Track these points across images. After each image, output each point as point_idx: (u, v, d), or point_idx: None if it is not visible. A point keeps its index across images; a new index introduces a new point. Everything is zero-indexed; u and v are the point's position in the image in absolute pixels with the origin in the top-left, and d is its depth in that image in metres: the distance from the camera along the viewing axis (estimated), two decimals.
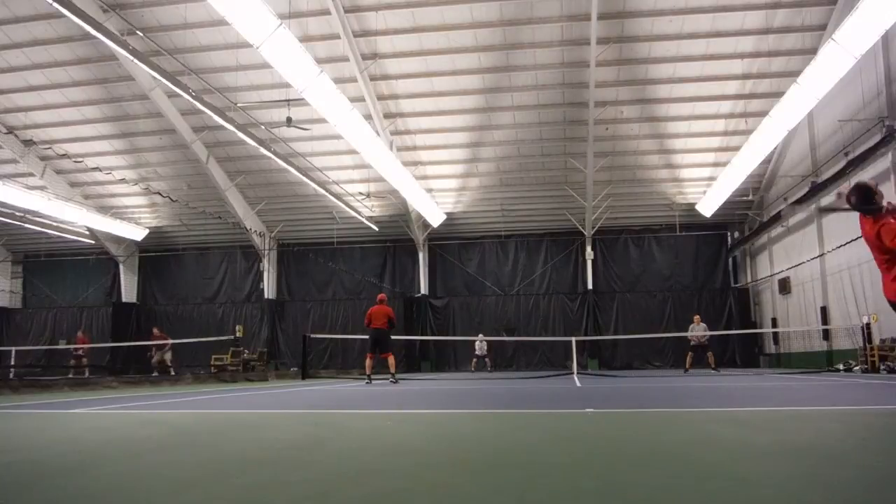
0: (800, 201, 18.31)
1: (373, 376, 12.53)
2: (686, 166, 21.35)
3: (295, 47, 11.66)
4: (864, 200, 4.45)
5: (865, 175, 15.45)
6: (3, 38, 17.37)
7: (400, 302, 24.83)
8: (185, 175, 22.71)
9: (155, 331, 20.58)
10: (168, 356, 19.59)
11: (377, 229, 24.12)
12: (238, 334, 22.43)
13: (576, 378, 13.89)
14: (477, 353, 21.72)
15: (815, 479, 2.12)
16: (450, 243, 25.22)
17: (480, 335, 22.03)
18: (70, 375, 17.14)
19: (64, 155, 18.94)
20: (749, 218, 23.27)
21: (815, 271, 18.50)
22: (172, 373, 18.00)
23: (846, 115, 15.85)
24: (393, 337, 12.94)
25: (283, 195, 23.51)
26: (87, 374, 18.50)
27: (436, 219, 22.91)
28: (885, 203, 4.45)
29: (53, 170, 22.73)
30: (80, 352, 21.20)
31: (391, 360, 12.42)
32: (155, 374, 17.97)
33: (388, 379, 12.77)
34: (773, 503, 1.77)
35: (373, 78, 18.10)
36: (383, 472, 2.37)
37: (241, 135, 16.35)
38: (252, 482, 2.19)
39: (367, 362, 12.48)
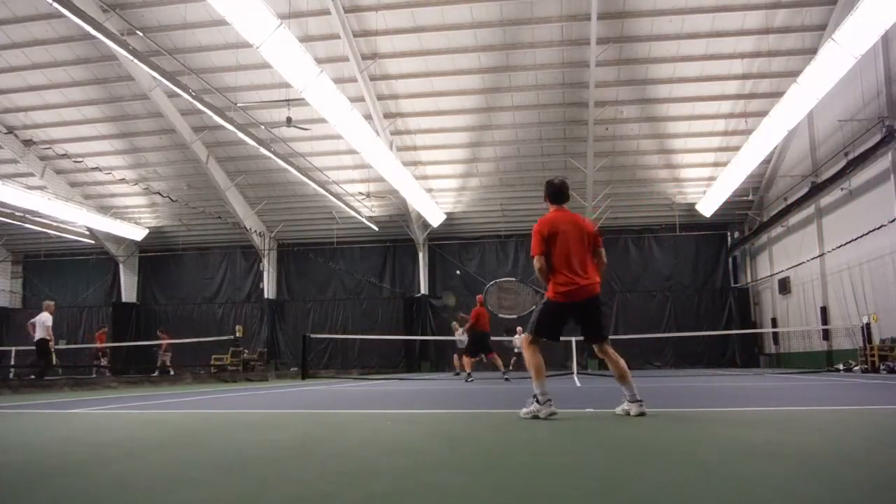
0: (800, 201, 18.31)
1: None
2: (686, 166, 21.35)
3: (295, 47, 11.67)
4: None
5: (865, 175, 15.48)
6: (3, 38, 17.37)
7: (400, 302, 24.84)
8: (185, 175, 22.71)
9: (159, 332, 20.87)
10: (167, 357, 19.82)
11: (377, 229, 24.12)
12: (238, 334, 22.46)
13: (576, 378, 13.92)
14: (516, 349, 21.49)
15: (816, 479, 2.12)
16: (450, 243, 25.21)
17: (519, 328, 21.74)
18: (94, 375, 17.24)
19: (64, 155, 18.94)
20: (749, 218, 23.27)
21: (815, 271, 18.50)
22: (171, 372, 18.08)
23: (846, 115, 15.84)
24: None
25: (283, 195, 23.51)
26: (94, 374, 18.54)
27: (436, 219, 22.90)
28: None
29: (53, 170, 22.73)
30: (105, 351, 21.22)
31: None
32: (156, 373, 18.05)
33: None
34: (773, 503, 1.77)
35: (373, 78, 18.09)
36: (383, 472, 2.37)
37: (241, 135, 16.36)
38: (252, 482, 2.19)
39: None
